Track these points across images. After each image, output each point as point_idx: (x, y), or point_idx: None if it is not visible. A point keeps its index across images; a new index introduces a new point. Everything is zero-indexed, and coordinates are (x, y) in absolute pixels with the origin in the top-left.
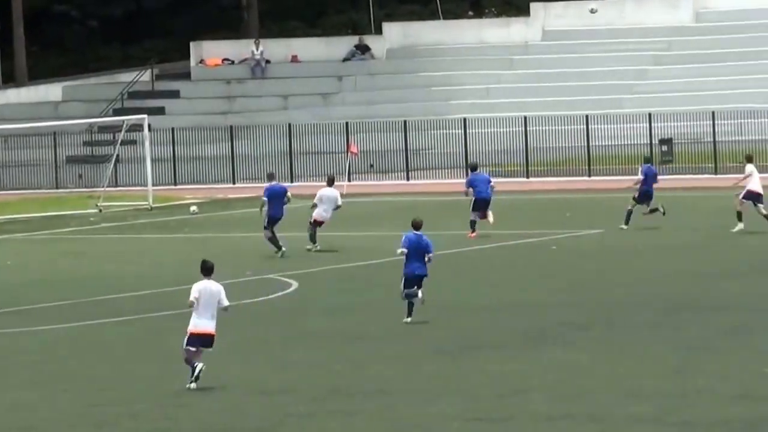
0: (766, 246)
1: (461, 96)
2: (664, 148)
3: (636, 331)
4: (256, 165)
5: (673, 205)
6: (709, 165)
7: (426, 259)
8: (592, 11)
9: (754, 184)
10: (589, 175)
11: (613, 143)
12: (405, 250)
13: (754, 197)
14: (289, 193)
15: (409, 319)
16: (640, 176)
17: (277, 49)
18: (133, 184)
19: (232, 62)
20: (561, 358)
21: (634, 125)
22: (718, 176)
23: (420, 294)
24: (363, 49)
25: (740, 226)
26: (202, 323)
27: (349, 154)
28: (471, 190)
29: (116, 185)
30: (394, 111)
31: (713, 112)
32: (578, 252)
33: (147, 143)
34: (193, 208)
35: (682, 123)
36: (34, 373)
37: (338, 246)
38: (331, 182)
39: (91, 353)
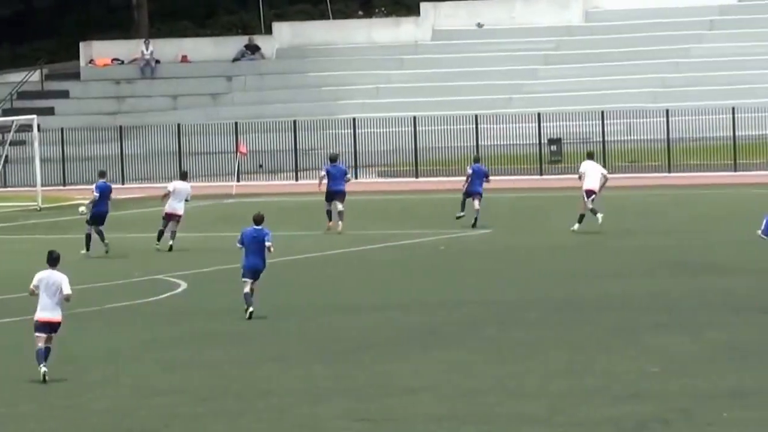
0: (651, 246)
1: (351, 96)
2: (553, 147)
3: (524, 331)
4: (146, 165)
5: (561, 206)
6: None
7: (267, 249)
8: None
9: (588, 183)
10: None
11: (502, 143)
12: (240, 245)
13: (588, 194)
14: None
15: (252, 309)
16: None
17: (166, 49)
18: (22, 185)
19: (122, 62)
20: (449, 358)
21: (524, 125)
22: (607, 175)
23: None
24: (253, 49)
25: (597, 220)
26: (45, 311)
27: (238, 154)
28: (325, 181)
29: (5, 186)
30: (283, 111)
31: (602, 112)
32: (467, 252)
33: (36, 143)
34: (82, 208)
35: (571, 123)
36: None
37: (225, 247)
38: (184, 176)
39: None
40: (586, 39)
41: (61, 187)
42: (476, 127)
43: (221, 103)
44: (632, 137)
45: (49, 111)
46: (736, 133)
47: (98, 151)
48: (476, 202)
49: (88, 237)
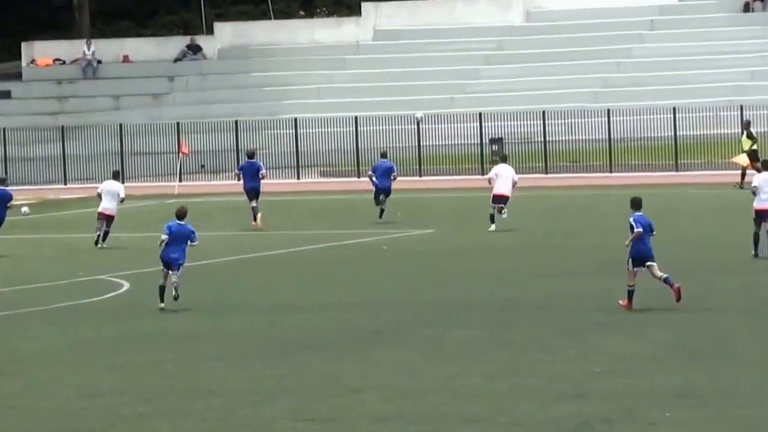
0: (593, 246)
1: (293, 96)
2: (495, 147)
3: (468, 331)
4: (88, 165)
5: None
6: (539, 164)
7: (188, 244)
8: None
9: (499, 187)
10: (420, 175)
11: (444, 143)
12: (165, 238)
13: (497, 200)
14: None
15: (162, 305)
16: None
17: (108, 49)
18: None
19: (64, 62)
20: (394, 358)
21: (465, 125)
22: (549, 176)
23: (175, 279)
24: (194, 49)
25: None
26: None
27: (180, 154)
28: (240, 174)
29: None
30: (225, 111)
31: (543, 112)
32: (410, 252)
33: None
34: (25, 209)
35: (512, 123)
36: None
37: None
38: (115, 176)
39: None
40: (528, 39)
41: None
42: (418, 127)
43: (163, 104)
44: (574, 137)
45: None
46: (677, 133)
47: (40, 152)
48: (381, 197)
49: None
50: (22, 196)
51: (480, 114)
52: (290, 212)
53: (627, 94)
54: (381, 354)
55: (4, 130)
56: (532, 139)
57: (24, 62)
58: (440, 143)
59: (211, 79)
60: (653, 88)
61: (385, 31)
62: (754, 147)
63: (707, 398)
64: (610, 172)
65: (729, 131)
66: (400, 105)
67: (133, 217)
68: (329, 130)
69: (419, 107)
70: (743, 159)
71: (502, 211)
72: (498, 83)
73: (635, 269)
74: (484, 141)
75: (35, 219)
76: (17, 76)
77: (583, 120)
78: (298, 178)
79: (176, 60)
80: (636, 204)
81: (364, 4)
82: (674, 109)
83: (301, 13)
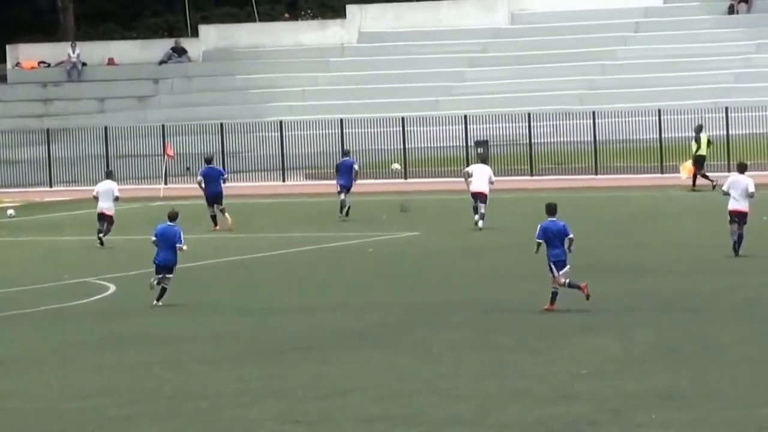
0: (578, 248)
1: (278, 98)
2: (480, 150)
3: (454, 333)
4: (73, 168)
5: (488, 207)
6: (525, 167)
7: (177, 248)
8: (11, 216)
9: (475, 185)
10: (405, 177)
11: (429, 145)
12: (153, 239)
13: (477, 197)
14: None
15: (159, 303)
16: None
17: (93, 51)
18: None
19: (49, 65)
20: (381, 360)
21: (451, 127)
22: (534, 178)
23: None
24: (179, 51)
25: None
26: None
27: (165, 157)
28: (202, 180)
29: None
30: (210, 113)
31: (529, 114)
32: (395, 254)
33: None
34: (11, 211)
35: (498, 125)
36: None
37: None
38: (109, 175)
39: None
40: (513, 41)
41: None
42: (403, 130)
43: (148, 106)
44: (559, 139)
45: None
46: (663, 135)
47: (25, 155)
48: (343, 195)
49: None
50: (7, 198)
51: (465, 116)
52: (276, 214)
53: (612, 96)
54: (368, 356)
55: None
56: (518, 142)
57: (9, 65)
58: (425, 146)
59: (196, 81)
60: (638, 90)
61: (370, 33)
62: (701, 152)
63: (693, 399)
64: (596, 174)
65: (714, 133)
66: (385, 107)
67: (118, 219)
68: (314, 132)
69: (404, 109)
70: (685, 170)
71: (478, 223)
72: (483, 85)
73: (559, 272)
74: (469, 143)
75: (20, 221)
76: (2, 78)
77: (568, 122)
78: (284, 180)
79: (161, 62)
80: (551, 210)
81: (348, 7)
82: (659, 111)
83: (286, 15)
